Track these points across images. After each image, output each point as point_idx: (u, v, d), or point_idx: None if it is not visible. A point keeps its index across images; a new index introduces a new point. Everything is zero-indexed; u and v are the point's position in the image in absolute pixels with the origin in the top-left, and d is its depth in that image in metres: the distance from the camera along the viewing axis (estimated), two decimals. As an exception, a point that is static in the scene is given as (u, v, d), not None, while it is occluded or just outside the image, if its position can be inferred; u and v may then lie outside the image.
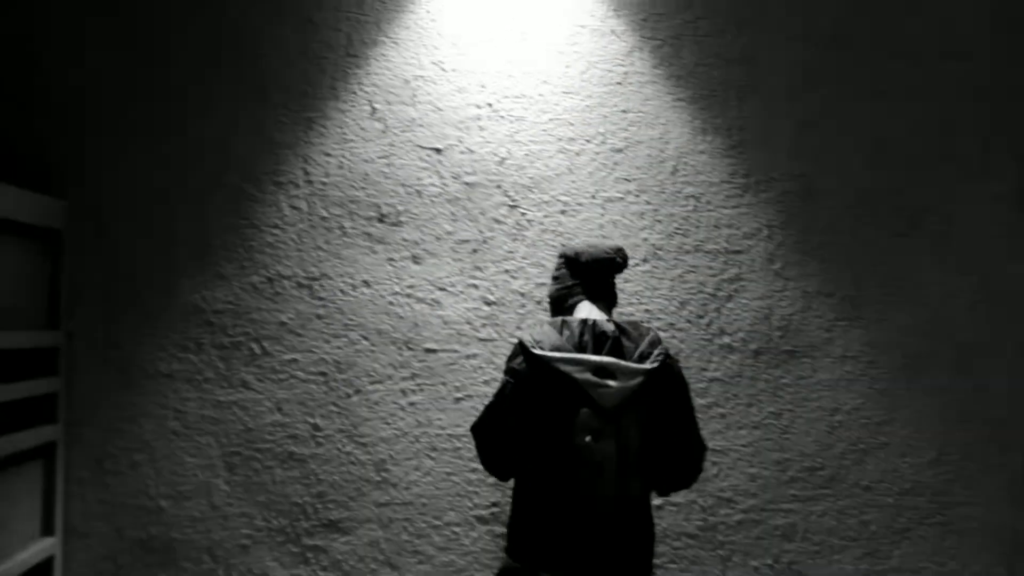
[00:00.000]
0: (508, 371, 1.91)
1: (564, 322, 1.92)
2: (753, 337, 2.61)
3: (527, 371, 1.86)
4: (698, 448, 1.98)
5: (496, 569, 2.40)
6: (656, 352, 1.91)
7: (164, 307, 2.52)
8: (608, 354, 1.86)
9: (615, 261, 2.02)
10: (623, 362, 1.85)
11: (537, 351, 1.85)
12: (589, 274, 2.01)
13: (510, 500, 2.46)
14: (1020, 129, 2.68)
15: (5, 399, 2.18)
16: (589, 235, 2.58)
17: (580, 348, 1.87)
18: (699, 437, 2.00)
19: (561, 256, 2.07)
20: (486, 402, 2.48)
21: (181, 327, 2.52)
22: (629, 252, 2.59)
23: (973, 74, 2.68)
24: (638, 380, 1.85)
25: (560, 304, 2.03)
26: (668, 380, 1.93)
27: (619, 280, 2.58)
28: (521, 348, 1.89)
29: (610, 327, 1.91)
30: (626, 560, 1.88)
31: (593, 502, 1.81)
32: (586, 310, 1.97)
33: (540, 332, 1.90)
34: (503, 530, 2.50)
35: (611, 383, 1.82)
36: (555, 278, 2.07)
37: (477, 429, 1.95)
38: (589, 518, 1.81)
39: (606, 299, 2.03)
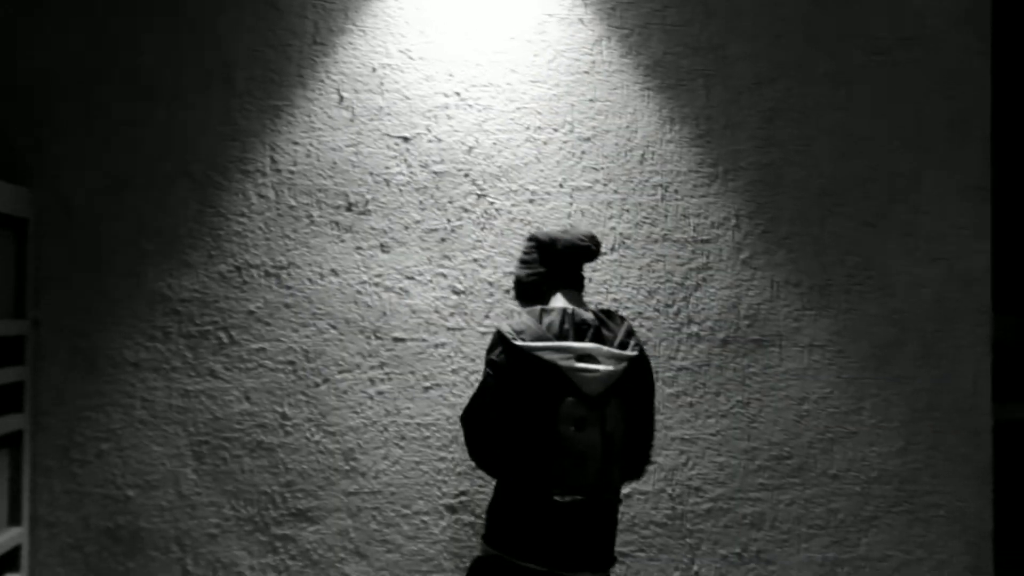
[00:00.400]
0: (488, 363, 1.89)
1: (543, 311, 1.90)
2: (721, 326, 2.62)
3: (507, 362, 1.84)
4: (650, 441, 2.00)
5: (469, 557, 2.41)
6: (633, 342, 1.91)
7: (131, 296, 2.51)
8: (590, 343, 1.86)
9: (590, 249, 2.01)
10: (606, 348, 1.85)
11: (519, 342, 1.83)
12: (564, 261, 1.99)
13: (479, 489, 2.47)
14: (986, 119, 2.70)
15: (-32, 387, 2.17)
16: (557, 224, 2.58)
17: (561, 337, 1.85)
18: (653, 431, 2.02)
19: (533, 240, 2.03)
20: (456, 390, 2.52)
21: (148, 316, 2.51)
22: (597, 241, 2.60)
23: (939, 64, 2.69)
24: (621, 367, 1.85)
25: (532, 290, 2.00)
26: (642, 370, 1.94)
27: (587, 269, 2.58)
28: (501, 339, 1.87)
29: (590, 316, 1.90)
30: (600, 548, 1.88)
31: (574, 491, 1.80)
32: (562, 298, 1.96)
33: (519, 322, 1.87)
34: (472, 519, 2.50)
35: (596, 369, 1.82)
36: (525, 262, 2.03)
37: (466, 419, 1.93)
38: (569, 507, 1.80)
39: (577, 287, 2.03)
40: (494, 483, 2.01)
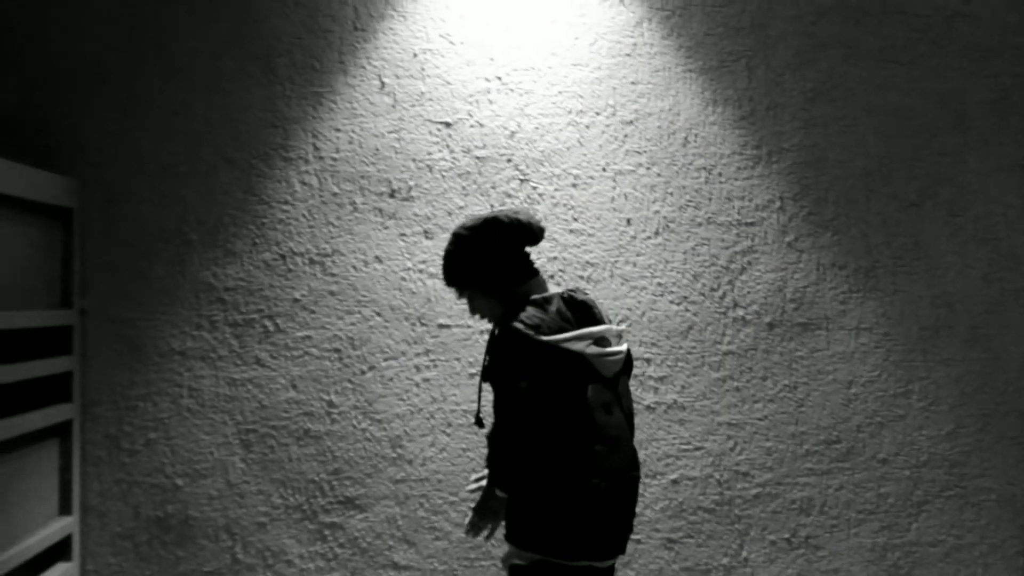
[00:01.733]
0: (514, 372, 1.73)
1: (547, 299, 1.79)
2: (767, 310, 2.59)
3: (535, 363, 1.71)
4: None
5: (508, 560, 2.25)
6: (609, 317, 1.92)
7: (176, 285, 2.52)
8: (595, 324, 1.81)
9: (543, 232, 1.91)
10: (613, 327, 1.83)
11: (544, 338, 1.72)
12: (528, 244, 1.88)
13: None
14: (1034, 96, 2.66)
15: (20, 378, 2.18)
16: (601, 208, 2.57)
17: (577, 324, 1.79)
18: None
19: (496, 222, 1.84)
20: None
21: (193, 304, 2.52)
22: (642, 225, 2.58)
23: (982, 41, 2.65)
24: (625, 345, 1.85)
25: (514, 277, 1.85)
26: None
27: (631, 252, 2.58)
28: (521, 339, 1.72)
29: (582, 297, 1.84)
30: (629, 526, 1.84)
31: (612, 476, 1.74)
32: (545, 284, 1.87)
33: (531, 317, 1.75)
34: (518, 505, 2.48)
35: (616, 351, 1.80)
36: (494, 247, 1.83)
37: (503, 439, 1.77)
38: (608, 493, 1.74)
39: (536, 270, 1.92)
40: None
